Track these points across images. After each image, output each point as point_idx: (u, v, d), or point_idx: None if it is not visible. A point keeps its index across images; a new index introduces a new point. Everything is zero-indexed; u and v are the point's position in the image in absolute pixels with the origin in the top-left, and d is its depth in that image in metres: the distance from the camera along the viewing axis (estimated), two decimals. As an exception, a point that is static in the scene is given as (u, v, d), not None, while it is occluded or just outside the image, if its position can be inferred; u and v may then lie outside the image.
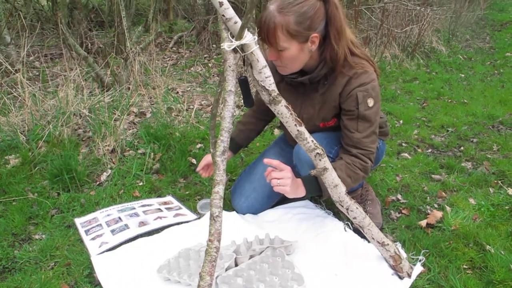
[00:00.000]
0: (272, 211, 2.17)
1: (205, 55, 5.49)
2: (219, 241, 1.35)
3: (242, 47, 1.51)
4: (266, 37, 1.66)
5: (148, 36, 4.77)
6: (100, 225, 2.09)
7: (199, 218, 2.16)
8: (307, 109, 1.90)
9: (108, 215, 2.17)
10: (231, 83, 1.47)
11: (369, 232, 1.64)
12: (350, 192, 2.05)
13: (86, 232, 2.04)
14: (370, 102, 1.74)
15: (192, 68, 5.03)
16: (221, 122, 1.44)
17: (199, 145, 2.95)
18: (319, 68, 1.76)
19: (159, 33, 6.08)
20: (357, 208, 1.61)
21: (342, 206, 1.61)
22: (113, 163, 2.71)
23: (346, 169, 1.72)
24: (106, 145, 2.83)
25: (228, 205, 2.25)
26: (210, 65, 5.17)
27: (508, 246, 1.89)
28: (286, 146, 2.22)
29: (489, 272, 1.73)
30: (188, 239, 1.92)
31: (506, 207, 2.19)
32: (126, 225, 2.07)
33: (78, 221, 2.13)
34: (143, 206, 2.26)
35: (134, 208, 2.23)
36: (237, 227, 1.99)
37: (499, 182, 2.46)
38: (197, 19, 6.01)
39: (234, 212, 2.15)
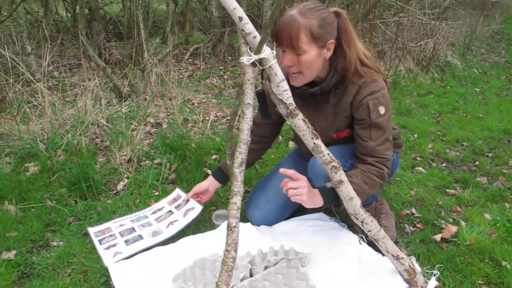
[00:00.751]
0: (286, 222, 2.19)
1: (221, 67, 5.55)
2: (235, 251, 1.37)
3: (261, 61, 1.54)
4: (289, 39, 1.68)
5: (165, 47, 4.84)
6: (114, 235, 2.11)
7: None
8: (320, 121, 1.92)
9: (121, 225, 2.20)
10: (249, 96, 1.50)
11: (384, 245, 1.65)
12: (365, 206, 2.06)
13: (100, 241, 2.07)
14: (382, 110, 1.77)
15: (207, 80, 5.09)
16: (239, 134, 1.47)
17: (214, 156, 2.98)
18: (329, 77, 1.79)
19: (175, 45, 6.16)
20: (372, 221, 1.62)
21: (357, 219, 1.63)
22: (130, 173, 2.75)
23: (361, 176, 1.75)
24: (123, 155, 2.87)
25: (243, 216, 2.27)
26: (225, 77, 5.22)
27: (524, 262, 1.89)
28: (300, 159, 2.24)
29: (504, 288, 1.73)
30: (203, 249, 1.94)
31: (523, 223, 2.18)
32: (140, 235, 2.10)
33: (91, 230, 2.16)
34: (154, 212, 2.29)
35: (147, 217, 2.26)
36: (252, 238, 2.01)
37: (513, 197, 2.45)
38: (213, 32, 6.08)
39: (249, 223, 2.17)
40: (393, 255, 1.66)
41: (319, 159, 1.57)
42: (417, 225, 2.20)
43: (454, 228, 2.11)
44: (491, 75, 5.81)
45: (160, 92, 4.03)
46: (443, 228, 2.14)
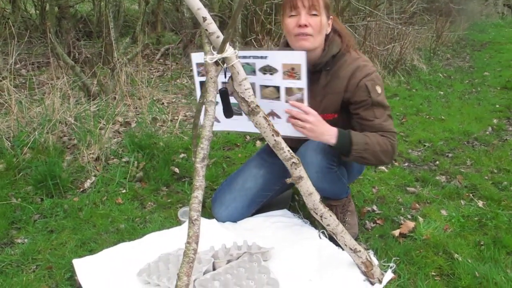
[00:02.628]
0: (251, 219, 2.24)
1: (191, 68, 5.56)
2: (197, 243, 1.41)
3: (224, 60, 1.59)
4: None
5: (135, 47, 4.84)
6: None
7: (180, 225, 2.21)
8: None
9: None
10: (212, 94, 1.55)
11: (342, 239, 1.72)
12: (336, 201, 2.14)
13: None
14: (379, 89, 1.89)
15: (178, 80, 5.11)
16: (202, 131, 1.52)
17: (182, 155, 3.02)
18: (323, 54, 1.91)
19: (146, 44, 6.15)
20: (330, 215, 1.69)
21: (316, 214, 1.69)
22: (97, 171, 2.76)
23: (378, 137, 1.84)
24: (90, 153, 2.87)
25: (209, 213, 2.31)
26: (196, 77, 5.24)
27: (475, 255, 1.98)
28: (269, 157, 2.29)
29: (455, 279, 1.82)
30: (168, 244, 1.98)
31: (476, 219, 2.29)
32: None
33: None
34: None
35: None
36: (217, 234, 2.05)
37: (471, 195, 2.56)
38: (184, 32, 6.10)
39: (214, 219, 2.21)
40: (351, 248, 1.73)
41: (279, 156, 1.62)
42: (377, 221, 2.28)
43: (412, 224, 2.20)
44: (455, 79, 6.00)
45: (130, 92, 4.03)
46: (401, 224, 2.23)
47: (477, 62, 7.31)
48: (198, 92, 1.97)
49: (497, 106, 4.63)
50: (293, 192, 2.51)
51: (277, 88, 1.77)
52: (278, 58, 1.72)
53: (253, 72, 1.77)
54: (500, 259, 1.94)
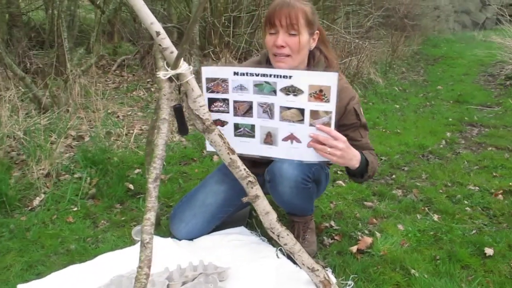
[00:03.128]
0: (207, 237, 2.18)
1: (148, 80, 5.47)
2: (149, 267, 1.35)
3: (178, 76, 1.54)
4: (288, 18, 1.77)
5: (90, 58, 4.71)
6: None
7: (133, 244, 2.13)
8: None
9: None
10: (165, 111, 1.50)
11: (300, 258, 1.69)
12: (303, 217, 2.13)
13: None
14: (362, 111, 1.96)
15: (134, 92, 5.00)
16: (155, 150, 1.46)
17: (137, 170, 2.93)
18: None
19: (102, 55, 6.01)
20: (287, 234, 1.66)
21: (273, 233, 1.65)
22: (47, 188, 2.64)
23: (369, 154, 1.91)
24: (40, 169, 2.75)
25: (164, 231, 2.24)
26: (152, 89, 5.15)
27: (431, 270, 2.00)
28: (231, 173, 2.24)
29: (412, 296, 1.83)
30: (121, 266, 1.89)
31: (431, 233, 2.31)
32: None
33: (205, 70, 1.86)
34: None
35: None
36: (172, 254, 1.98)
37: (426, 208, 2.60)
38: (142, 43, 6.00)
39: (169, 238, 2.14)
40: (308, 268, 1.70)
41: (235, 174, 1.59)
42: (335, 237, 2.27)
43: (369, 240, 2.20)
44: (410, 93, 6.15)
45: (84, 104, 3.91)
46: (359, 240, 2.23)
47: (430, 76, 7.53)
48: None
49: (450, 119, 4.77)
50: (251, 209, 2.47)
51: (301, 111, 1.64)
52: (305, 78, 1.60)
53: (273, 92, 1.65)
54: (455, 274, 1.96)
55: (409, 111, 5.09)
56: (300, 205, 2.05)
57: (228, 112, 1.73)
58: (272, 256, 1.99)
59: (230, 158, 1.56)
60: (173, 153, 3.26)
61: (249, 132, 1.74)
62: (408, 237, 2.28)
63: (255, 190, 1.59)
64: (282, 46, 1.80)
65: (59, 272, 1.89)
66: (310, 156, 1.69)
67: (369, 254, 2.12)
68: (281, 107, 1.66)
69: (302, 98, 1.62)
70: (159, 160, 1.44)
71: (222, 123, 1.75)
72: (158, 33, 1.50)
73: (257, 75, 1.66)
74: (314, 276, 1.72)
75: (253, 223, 2.33)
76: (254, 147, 1.76)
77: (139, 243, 2.10)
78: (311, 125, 1.64)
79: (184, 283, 1.75)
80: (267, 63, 1.97)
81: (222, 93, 1.71)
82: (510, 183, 2.97)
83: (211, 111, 1.69)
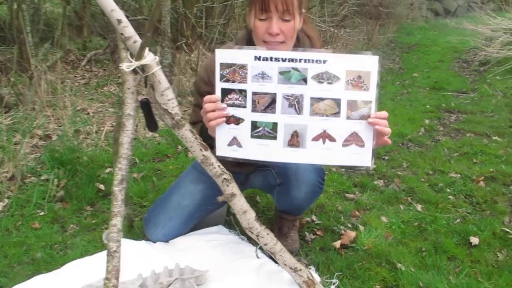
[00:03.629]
0: (184, 238, 2.06)
1: (119, 74, 5.29)
2: (117, 278, 1.23)
3: (143, 68, 1.42)
4: (285, 3, 1.58)
5: (57, 53, 4.51)
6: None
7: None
8: None
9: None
10: (130, 106, 1.38)
11: (281, 258, 1.59)
12: (292, 215, 2.04)
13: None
14: None
15: (105, 88, 4.82)
16: (119, 149, 1.34)
17: (108, 170, 2.79)
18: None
19: (70, 50, 5.79)
20: (267, 234, 1.56)
21: (252, 233, 1.55)
22: (11, 192, 2.48)
23: None
24: (3, 172, 2.59)
25: (138, 234, 2.12)
26: (125, 84, 4.98)
27: (417, 262, 1.93)
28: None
29: (400, 292, 1.75)
30: (91, 274, 1.75)
31: (415, 224, 2.25)
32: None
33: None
34: None
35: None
36: (145, 258, 1.86)
37: (409, 198, 2.53)
38: (112, 37, 5.79)
39: (143, 241, 2.02)
40: (291, 268, 1.61)
41: (209, 172, 1.47)
42: (317, 233, 2.18)
43: (353, 234, 2.12)
44: (386, 81, 6.10)
45: (51, 102, 3.73)
46: (342, 234, 2.14)
47: (406, 64, 7.51)
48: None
49: (428, 106, 4.73)
50: (229, 206, 2.36)
51: (336, 102, 1.43)
52: (341, 63, 1.41)
53: (303, 81, 1.43)
54: (442, 266, 1.90)
55: (386, 99, 5.03)
56: (305, 207, 2.03)
57: (245, 107, 1.46)
58: (252, 256, 1.88)
59: (203, 155, 1.45)
60: (146, 150, 3.12)
61: (270, 132, 1.47)
62: (392, 229, 2.20)
63: (231, 188, 1.48)
64: (277, 34, 1.62)
65: (23, 284, 1.74)
66: (345, 157, 1.46)
67: (353, 249, 2.04)
68: (312, 98, 1.44)
69: (338, 87, 1.42)
70: (124, 160, 1.32)
71: (237, 121, 1.47)
72: (119, 21, 1.37)
73: (283, 60, 1.42)
74: (297, 277, 1.63)
75: (231, 221, 2.21)
76: (275, 152, 1.47)
77: (110, 247, 1.99)
78: (348, 118, 1.44)
79: (158, 290, 1.64)
80: None
81: (239, 82, 1.46)
82: (491, 169, 2.93)
83: (224, 104, 1.48)
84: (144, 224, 2.08)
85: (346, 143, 1.45)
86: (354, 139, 1.45)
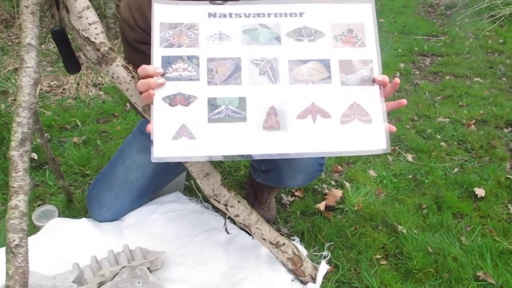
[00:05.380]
0: (135, 212, 1.66)
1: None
2: (24, 286, 0.84)
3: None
4: None
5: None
6: None
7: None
8: None
9: None
10: (30, 33, 0.95)
11: (258, 232, 1.23)
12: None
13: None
14: None
15: (43, 46, 4.25)
16: (17, 94, 0.92)
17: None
18: None
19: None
20: (238, 202, 1.18)
21: (219, 202, 1.17)
22: None
23: None
24: None
25: (79, 209, 1.72)
26: (66, 41, 4.42)
27: (420, 223, 1.61)
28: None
29: (405, 259, 1.43)
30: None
31: (409, 176, 1.93)
32: None
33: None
34: None
35: None
36: (86, 241, 1.47)
37: (396, 148, 2.21)
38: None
39: (84, 219, 1.61)
40: (271, 243, 1.25)
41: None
42: (296, 193, 1.82)
43: (338, 193, 1.78)
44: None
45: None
46: (326, 194, 1.79)
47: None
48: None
49: (400, 50, 4.41)
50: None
51: (324, 64, 1.05)
52: (324, 14, 1.07)
53: (275, 39, 1.05)
54: (450, 225, 1.59)
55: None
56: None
57: (197, 79, 1.01)
58: (220, 228, 1.52)
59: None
60: (89, 110, 2.65)
61: (236, 112, 1.01)
62: (383, 184, 1.88)
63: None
64: None
65: None
66: (348, 140, 1.02)
67: (342, 211, 1.70)
68: (290, 61, 1.05)
69: (323, 44, 1.06)
70: (25, 111, 0.91)
71: (187, 100, 1.00)
72: None
73: (247, 15, 1.05)
74: (279, 253, 1.27)
75: (191, 186, 1.82)
76: (246, 140, 1.00)
77: (43, 229, 1.58)
78: (343, 84, 1.04)
79: (101, 284, 1.25)
80: None
81: (188, 46, 1.03)
82: (481, 111, 2.63)
83: (167, 78, 0.99)
84: (87, 203, 1.66)
85: (346, 118, 1.02)
86: (355, 112, 1.03)
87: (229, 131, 0.99)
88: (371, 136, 1.02)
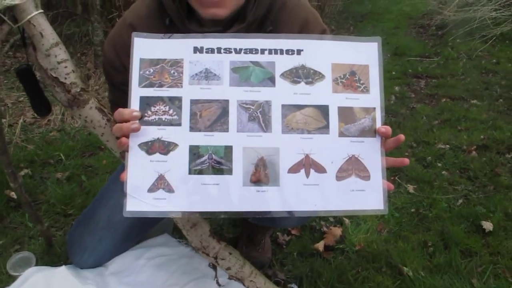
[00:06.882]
0: (120, 257, 1.54)
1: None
2: None
3: (15, 14, 0.89)
4: None
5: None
6: None
7: None
8: None
9: None
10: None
11: (253, 285, 1.11)
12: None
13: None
14: None
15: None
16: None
17: (24, 171, 2.21)
18: (251, 5, 1.08)
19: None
20: (230, 253, 1.07)
21: (208, 255, 1.06)
22: None
23: None
24: None
25: (59, 255, 1.60)
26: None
27: (427, 263, 1.51)
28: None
29: (413, 308, 1.31)
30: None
31: (412, 210, 1.83)
32: None
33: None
34: None
35: None
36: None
37: (397, 178, 2.11)
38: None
39: (63, 266, 1.48)
40: (267, 296, 1.13)
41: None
42: (292, 232, 1.71)
43: (338, 230, 1.67)
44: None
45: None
46: (325, 232, 1.68)
47: (362, 32, 7.15)
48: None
49: (394, 73, 4.36)
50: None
51: (322, 110, 0.94)
52: (324, 53, 0.96)
53: (268, 80, 0.94)
54: (459, 265, 1.47)
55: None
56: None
57: (179, 124, 0.91)
58: (211, 274, 1.39)
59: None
60: (74, 143, 2.54)
61: (220, 162, 0.91)
62: (384, 219, 1.77)
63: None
64: None
65: None
66: (342, 198, 0.92)
67: (342, 251, 1.59)
68: (284, 106, 0.94)
69: (322, 88, 0.94)
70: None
71: (166, 147, 0.90)
72: None
73: (237, 51, 0.94)
74: (276, 307, 1.16)
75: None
76: (230, 196, 0.90)
77: (18, 281, 1.45)
78: (342, 135, 0.93)
79: None
80: (179, 15, 1.09)
81: (170, 86, 0.92)
82: (481, 136, 2.55)
83: (145, 122, 0.89)
84: (67, 248, 1.53)
85: (342, 174, 0.92)
86: (353, 167, 0.92)
87: (212, 184, 0.88)
88: (368, 195, 0.92)
